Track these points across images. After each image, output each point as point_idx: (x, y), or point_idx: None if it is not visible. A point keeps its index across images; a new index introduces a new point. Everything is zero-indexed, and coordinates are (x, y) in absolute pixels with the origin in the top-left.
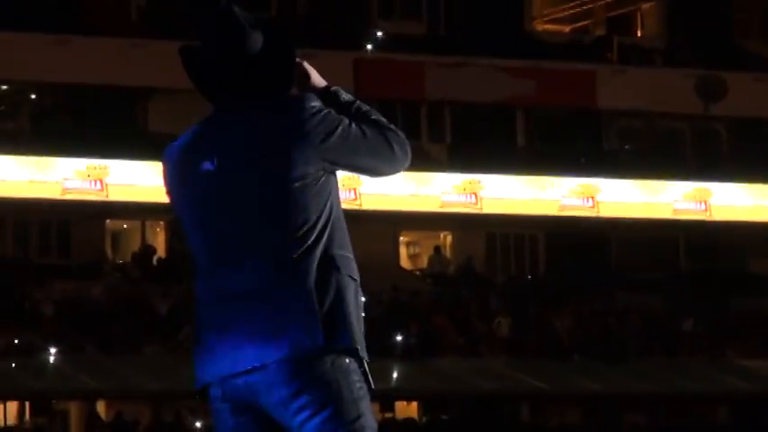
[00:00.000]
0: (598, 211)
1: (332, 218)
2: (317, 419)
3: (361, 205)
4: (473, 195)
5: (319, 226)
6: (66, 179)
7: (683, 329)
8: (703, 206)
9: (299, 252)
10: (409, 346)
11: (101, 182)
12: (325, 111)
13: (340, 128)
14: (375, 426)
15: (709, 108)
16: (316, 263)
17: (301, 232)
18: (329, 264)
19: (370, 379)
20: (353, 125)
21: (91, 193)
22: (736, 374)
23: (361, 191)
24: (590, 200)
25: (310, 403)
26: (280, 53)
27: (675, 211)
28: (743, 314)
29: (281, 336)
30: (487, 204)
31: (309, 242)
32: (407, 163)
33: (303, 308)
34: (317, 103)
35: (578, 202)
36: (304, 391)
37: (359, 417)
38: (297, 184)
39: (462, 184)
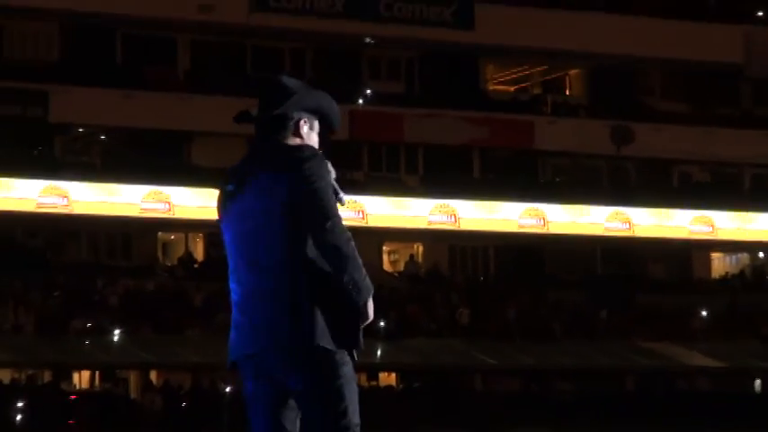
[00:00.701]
0: (547, 229)
1: None
2: (308, 401)
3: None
4: (452, 216)
5: None
6: (128, 201)
7: (599, 318)
8: (620, 225)
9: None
10: (389, 329)
11: (167, 203)
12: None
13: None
14: (356, 409)
15: (620, 150)
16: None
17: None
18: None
19: (355, 355)
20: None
21: (148, 212)
22: (640, 354)
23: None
24: (542, 220)
25: (303, 387)
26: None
27: (605, 228)
28: (645, 307)
29: (278, 326)
30: (463, 223)
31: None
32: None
33: (296, 305)
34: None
35: (532, 222)
36: (297, 375)
37: (341, 401)
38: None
39: (435, 207)
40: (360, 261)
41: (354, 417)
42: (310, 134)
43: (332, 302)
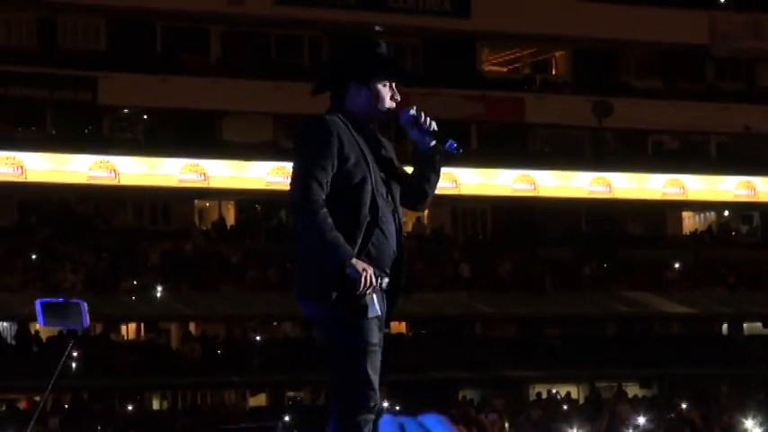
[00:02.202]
0: (538, 193)
1: (341, 202)
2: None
3: None
4: (454, 182)
5: None
6: (168, 173)
7: (584, 272)
8: (601, 188)
9: None
10: None
11: (203, 174)
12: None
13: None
14: (367, 377)
15: (601, 122)
16: None
17: None
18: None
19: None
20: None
21: (185, 182)
22: (621, 302)
23: None
24: (532, 185)
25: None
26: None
27: (588, 192)
28: (624, 261)
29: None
30: (463, 188)
31: None
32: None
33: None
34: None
35: (524, 187)
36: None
37: (348, 366)
38: None
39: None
40: (316, 210)
41: None
42: (355, 99)
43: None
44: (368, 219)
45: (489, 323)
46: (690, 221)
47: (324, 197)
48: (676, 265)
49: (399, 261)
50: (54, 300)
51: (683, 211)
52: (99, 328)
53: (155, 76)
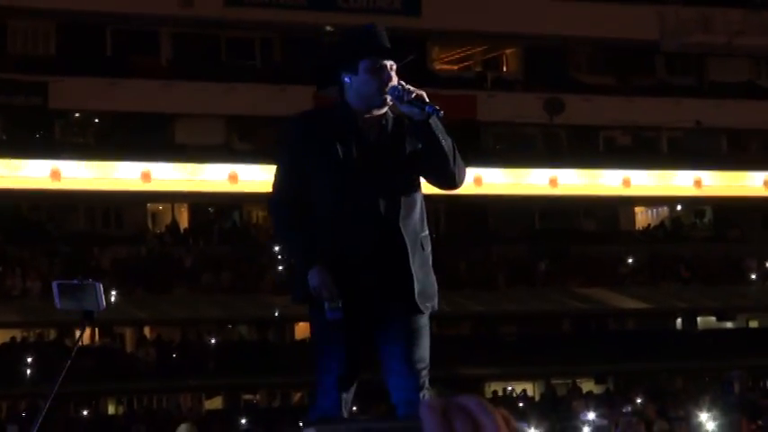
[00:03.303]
0: (490, 191)
1: (317, 201)
2: None
3: None
4: None
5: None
6: (120, 177)
7: (538, 268)
8: (554, 185)
9: None
10: None
11: (154, 178)
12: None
13: None
14: (321, 373)
15: (552, 119)
16: None
17: None
18: None
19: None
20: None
21: (137, 185)
22: (575, 299)
23: None
24: (485, 182)
25: None
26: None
27: (541, 188)
28: (578, 257)
29: None
30: None
31: None
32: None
33: None
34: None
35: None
36: None
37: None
38: None
39: None
40: (278, 215)
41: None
42: (350, 90)
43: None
44: (330, 219)
45: (444, 321)
46: (642, 217)
47: (291, 200)
48: (630, 261)
49: (387, 254)
50: (70, 282)
51: (636, 206)
52: (53, 334)
53: (105, 80)
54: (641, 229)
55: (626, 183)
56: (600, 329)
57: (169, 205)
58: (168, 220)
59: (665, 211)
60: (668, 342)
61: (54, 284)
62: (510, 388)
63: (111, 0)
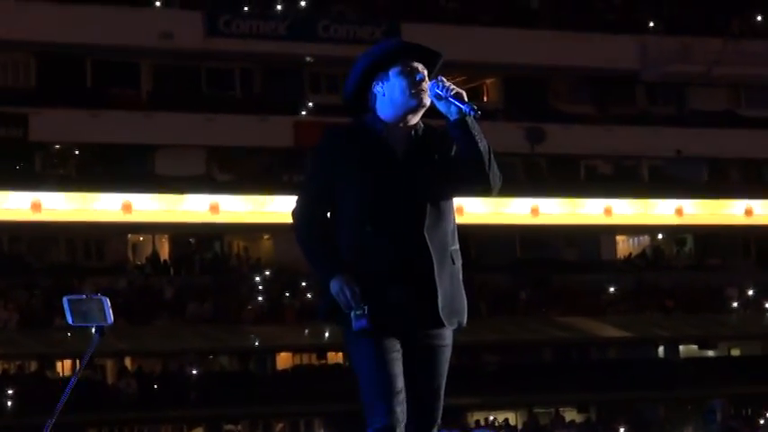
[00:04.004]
0: (472, 220)
1: (343, 217)
2: None
3: None
4: None
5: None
6: (100, 208)
7: (520, 297)
8: (535, 214)
9: None
10: None
11: (135, 209)
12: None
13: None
14: (373, 386)
15: (533, 148)
16: None
17: None
18: None
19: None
20: None
21: (118, 217)
22: (557, 328)
23: None
24: (465, 212)
25: None
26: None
27: (522, 218)
28: (559, 286)
29: None
30: None
31: None
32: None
33: None
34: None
35: (457, 214)
36: None
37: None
38: None
39: None
40: (300, 226)
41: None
42: (382, 100)
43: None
44: (355, 234)
45: None
46: (624, 246)
47: (314, 213)
48: (611, 290)
49: (413, 268)
50: (78, 296)
51: (617, 235)
52: (34, 366)
53: (86, 112)
54: (623, 257)
55: (607, 212)
56: (582, 358)
57: (150, 236)
58: (149, 251)
59: (646, 239)
60: (650, 371)
61: (65, 300)
62: (492, 417)
63: (92, 32)
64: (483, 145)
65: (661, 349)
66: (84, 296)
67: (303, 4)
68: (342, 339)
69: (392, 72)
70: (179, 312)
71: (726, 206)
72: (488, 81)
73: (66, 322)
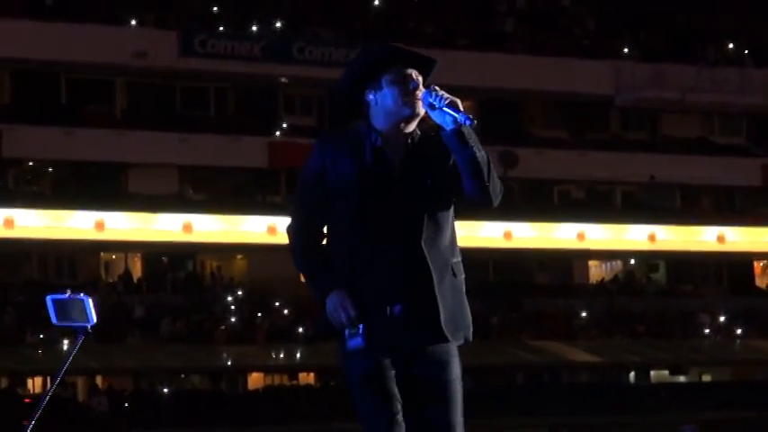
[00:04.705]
0: None
1: (338, 230)
2: None
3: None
4: None
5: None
6: (73, 226)
7: (492, 322)
8: (508, 239)
9: None
10: (308, 334)
11: (108, 227)
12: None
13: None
14: (369, 413)
15: (506, 173)
16: None
17: None
18: None
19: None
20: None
21: (91, 235)
22: (529, 352)
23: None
24: None
25: None
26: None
27: (495, 242)
28: (531, 311)
29: None
30: None
31: None
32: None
33: None
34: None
35: None
36: None
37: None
38: None
39: None
40: (295, 243)
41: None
42: (375, 108)
43: None
44: (350, 249)
45: None
46: (596, 271)
47: (309, 228)
48: (583, 314)
49: (412, 283)
50: (61, 296)
51: (590, 260)
52: (4, 383)
53: (59, 129)
54: (595, 282)
55: (580, 236)
56: (553, 382)
57: (122, 254)
58: (121, 269)
59: (618, 264)
60: (621, 395)
61: (49, 299)
62: None
63: (66, 49)
64: (481, 156)
65: (632, 374)
66: (67, 295)
67: (278, 25)
68: (313, 360)
69: (384, 80)
70: (151, 331)
71: (698, 233)
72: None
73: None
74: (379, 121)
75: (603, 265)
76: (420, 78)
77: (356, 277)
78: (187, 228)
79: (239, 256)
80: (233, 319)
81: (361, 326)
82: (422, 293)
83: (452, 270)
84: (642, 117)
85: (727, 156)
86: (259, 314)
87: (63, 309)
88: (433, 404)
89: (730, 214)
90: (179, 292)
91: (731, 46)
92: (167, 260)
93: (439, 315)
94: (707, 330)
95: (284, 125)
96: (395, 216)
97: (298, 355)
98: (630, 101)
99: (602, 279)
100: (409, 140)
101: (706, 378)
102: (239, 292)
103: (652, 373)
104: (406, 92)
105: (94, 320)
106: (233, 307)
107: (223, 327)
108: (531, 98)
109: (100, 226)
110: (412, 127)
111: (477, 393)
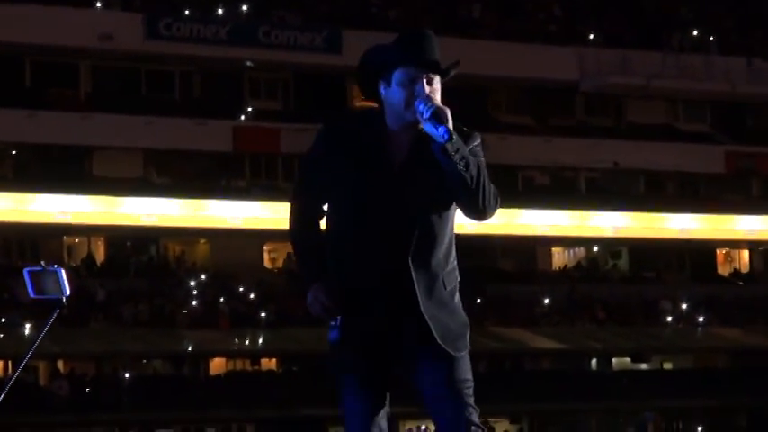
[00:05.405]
0: None
1: (331, 223)
2: None
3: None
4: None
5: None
6: (37, 209)
7: None
8: (472, 224)
9: None
10: (270, 320)
11: (71, 211)
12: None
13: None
14: (346, 406)
15: None
16: None
17: None
18: None
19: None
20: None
21: (54, 218)
22: (491, 338)
23: (241, 215)
24: None
25: None
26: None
27: (458, 227)
28: (495, 296)
29: None
30: None
31: None
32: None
33: None
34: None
35: None
36: None
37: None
38: None
39: None
40: (291, 227)
41: None
42: (385, 101)
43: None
44: (339, 246)
45: None
46: (560, 257)
47: (306, 214)
48: (546, 301)
49: (397, 295)
50: (36, 268)
51: (553, 246)
52: None
53: (24, 112)
54: (558, 269)
55: (544, 222)
56: (515, 369)
57: (86, 238)
58: (84, 253)
59: (581, 251)
60: (583, 382)
61: (25, 272)
62: (424, 427)
63: (31, 32)
64: (470, 173)
65: (594, 361)
66: (42, 268)
67: (244, 8)
68: (275, 346)
69: (394, 77)
70: (113, 315)
71: (661, 220)
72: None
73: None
74: (387, 114)
75: (567, 252)
76: (436, 81)
77: (339, 276)
78: (151, 212)
79: (202, 241)
80: (195, 304)
81: (338, 318)
82: (408, 310)
83: (443, 281)
84: (607, 103)
85: (691, 142)
86: (222, 299)
87: (39, 281)
88: (432, 383)
89: (694, 201)
90: (142, 276)
91: (696, 33)
92: (131, 244)
93: (433, 333)
94: (669, 318)
95: (249, 109)
96: (388, 221)
97: (260, 341)
98: (595, 87)
99: (566, 266)
100: (416, 138)
101: (667, 365)
102: (202, 277)
103: (614, 360)
104: (412, 97)
105: (68, 292)
106: (196, 291)
107: (186, 311)
108: (496, 84)
109: (63, 209)
110: (420, 125)
111: None
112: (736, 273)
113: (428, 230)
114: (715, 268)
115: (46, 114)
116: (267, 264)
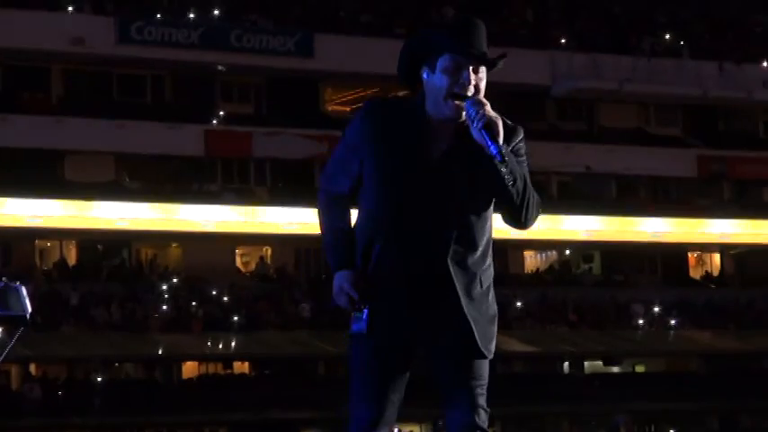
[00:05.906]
0: None
1: (362, 211)
2: None
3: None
4: (298, 223)
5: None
6: (8, 213)
7: None
8: None
9: None
10: (242, 323)
11: (43, 215)
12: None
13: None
14: (360, 414)
15: None
16: None
17: None
18: None
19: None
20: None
21: (26, 222)
22: None
23: (213, 219)
24: None
25: None
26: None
27: None
28: None
29: None
30: (307, 228)
31: None
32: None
33: None
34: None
35: None
36: None
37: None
38: None
39: (283, 214)
40: (319, 207)
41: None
42: (426, 88)
43: None
44: (371, 240)
45: (332, 363)
46: (532, 260)
47: (335, 196)
48: (518, 304)
49: (435, 293)
50: None
51: (525, 250)
52: None
53: None
54: (530, 272)
55: None
56: (489, 373)
57: (57, 242)
58: (56, 256)
59: (553, 254)
60: (555, 385)
61: None
62: (397, 429)
63: (2, 35)
64: (516, 188)
65: (566, 364)
66: (3, 283)
67: (216, 12)
68: (248, 349)
69: (439, 62)
70: (85, 319)
71: (633, 223)
72: (400, 93)
73: None
74: (428, 102)
75: (539, 255)
76: (481, 80)
77: (373, 269)
78: (123, 216)
79: (174, 245)
80: (167, 308)
81: (365, 310)
82: (449, 310)
83: (480, 280)
84: (578, 107)
85: (662, 146)
86: (194, 303)
87: (1, 297)
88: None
89: (666, 205)
90: (114, 280)
91: (667, 37)
92: (102, 248)
93: (474, 335)
94: (641, 321)
95: (221, 113)
96: (421, 217)
97: (233, 344)
98: (567, 91)
99: (538, 269)
100: (458, 129)
101: (639, 369)
102: (174, 281)
103: (586, 363)
104: (452, 89)
105: (29, 309)
106: (168, 295)
107: (157, 315)
108: None
109: (35, 213)
110: (458, 120)
111: (410, 382)
112: (707, 276)
113: (466, 231)
114: (687, 272)
115: (17, 118)
116: (240, 267)
